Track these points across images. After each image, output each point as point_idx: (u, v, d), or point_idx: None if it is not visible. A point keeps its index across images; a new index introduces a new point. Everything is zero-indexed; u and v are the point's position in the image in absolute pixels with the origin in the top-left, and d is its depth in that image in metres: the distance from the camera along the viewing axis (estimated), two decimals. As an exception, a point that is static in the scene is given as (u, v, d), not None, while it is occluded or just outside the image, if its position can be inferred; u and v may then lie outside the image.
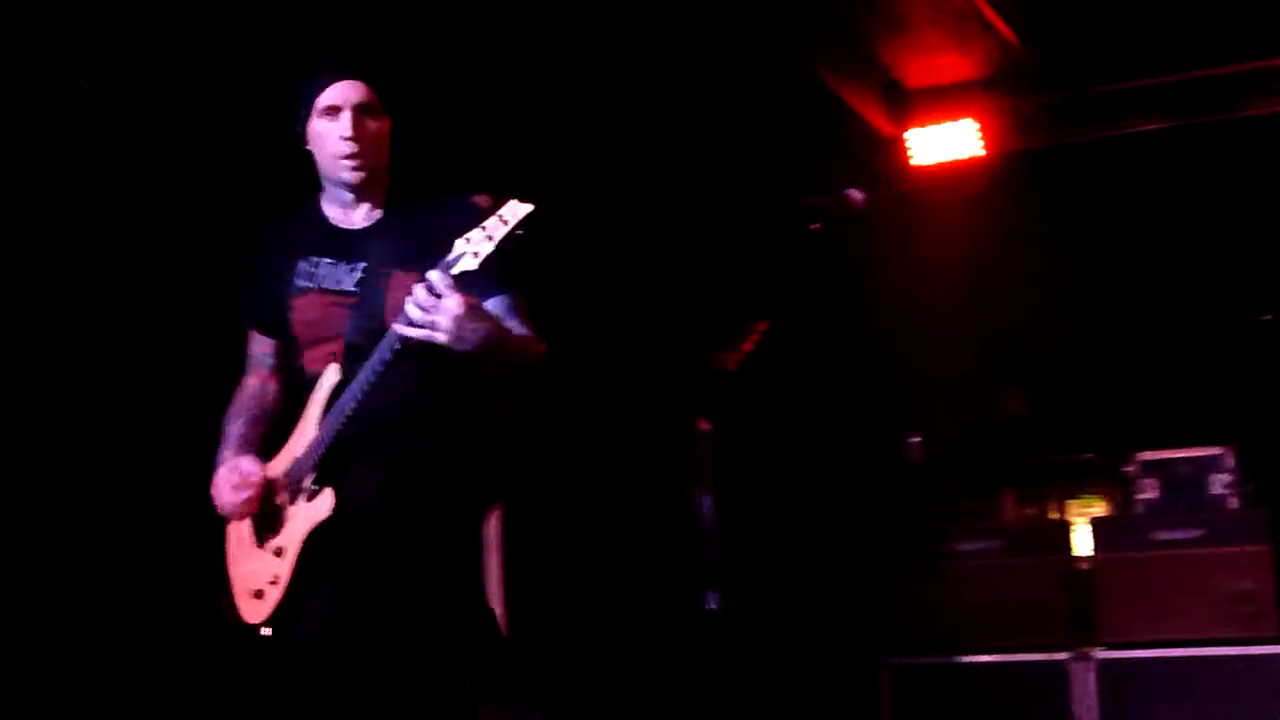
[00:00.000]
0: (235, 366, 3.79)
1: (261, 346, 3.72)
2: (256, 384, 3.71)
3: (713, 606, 3.87)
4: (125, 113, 5.02)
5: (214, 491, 3.55)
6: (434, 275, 3.18)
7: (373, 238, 3.57)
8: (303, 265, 3.58)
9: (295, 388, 3.62)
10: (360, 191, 3.56)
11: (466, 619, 3.49)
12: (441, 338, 3.21)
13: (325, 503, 3.40)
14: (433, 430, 3.50)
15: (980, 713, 6.05)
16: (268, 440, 3.63)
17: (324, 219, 3.63)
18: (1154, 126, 7.23)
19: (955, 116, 7.47)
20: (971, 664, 6.07)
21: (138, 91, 5.02)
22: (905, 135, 7.55)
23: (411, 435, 3.47)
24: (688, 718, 5.80)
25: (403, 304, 3.29)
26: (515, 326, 3.44)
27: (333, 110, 3.48)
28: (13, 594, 4.63)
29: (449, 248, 3.23)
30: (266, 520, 3.52)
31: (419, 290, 3.19)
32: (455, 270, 3.17)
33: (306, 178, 3.66)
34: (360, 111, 3.47)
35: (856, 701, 6.30)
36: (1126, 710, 5.84)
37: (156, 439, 4.97)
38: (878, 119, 7.47)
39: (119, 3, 4.85)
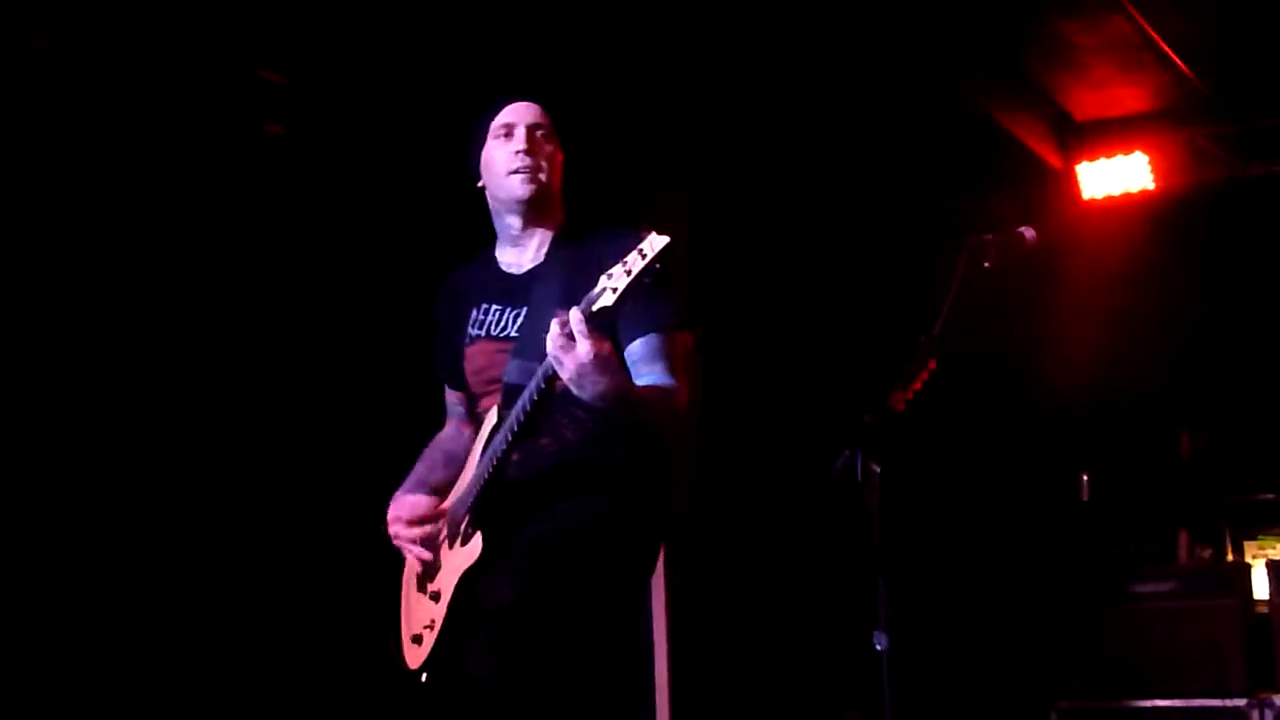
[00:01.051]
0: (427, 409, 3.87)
1: (451, 398, 3.80)
2: (451, 430, 3.79)
3: (880, 647, 3.80)
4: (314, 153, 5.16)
5: (388, 527, 3.58)
6: (573, 314, 3.14)
7: (538, 279, 3.56)
8: (475, 314, 3.62)
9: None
10: (530, 215, 3.56)
11: (613, 684, 3.47)
12: (564, 380, 3.17)
13: (474, 546, 3.37)
14: (607, 492, 3.43)
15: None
16: (445, 481, 3.66)
17: (495, 265, 3.65)
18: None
19: (1126, 150, 7.36)
20: (1145, 709, 5.94)
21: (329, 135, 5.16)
22: (1076, 169, 7.45)
23: (583, 496, 3.41)
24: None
25: None
26: (658, 372, 3.39)
27: (507, 129, 3.52)
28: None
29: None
30: (429, 565, 3.54)
31: (555, 327, 3.14)
32: (596, 306, 3.11)
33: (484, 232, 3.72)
34: (534, 130, 3.51)
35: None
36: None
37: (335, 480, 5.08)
38: (1047, 153, 7.38)
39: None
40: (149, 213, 4.95)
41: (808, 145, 6.25)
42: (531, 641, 3.26)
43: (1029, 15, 6.19)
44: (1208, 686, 5.88)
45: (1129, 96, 7.16)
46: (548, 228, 3.60)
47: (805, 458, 6.37)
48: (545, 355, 3.28)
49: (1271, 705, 5.74)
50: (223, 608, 4.96)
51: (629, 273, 3.09)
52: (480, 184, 3.63)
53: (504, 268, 3.64)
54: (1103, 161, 7.40)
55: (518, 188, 3.52)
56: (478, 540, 3.37)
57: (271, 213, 5.24)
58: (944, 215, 6.33)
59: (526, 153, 3.50)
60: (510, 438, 3.31)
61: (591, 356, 3.12)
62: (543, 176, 3.52)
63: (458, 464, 3.65)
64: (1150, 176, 7.32)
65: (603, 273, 3.16)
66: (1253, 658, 5.93)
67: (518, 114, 3.54)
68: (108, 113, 4.80)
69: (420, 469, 3.72)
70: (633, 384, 3.31)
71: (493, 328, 3.58)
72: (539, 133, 3.53)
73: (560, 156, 3.58)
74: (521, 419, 3.29)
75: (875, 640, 3.72)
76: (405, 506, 3.56)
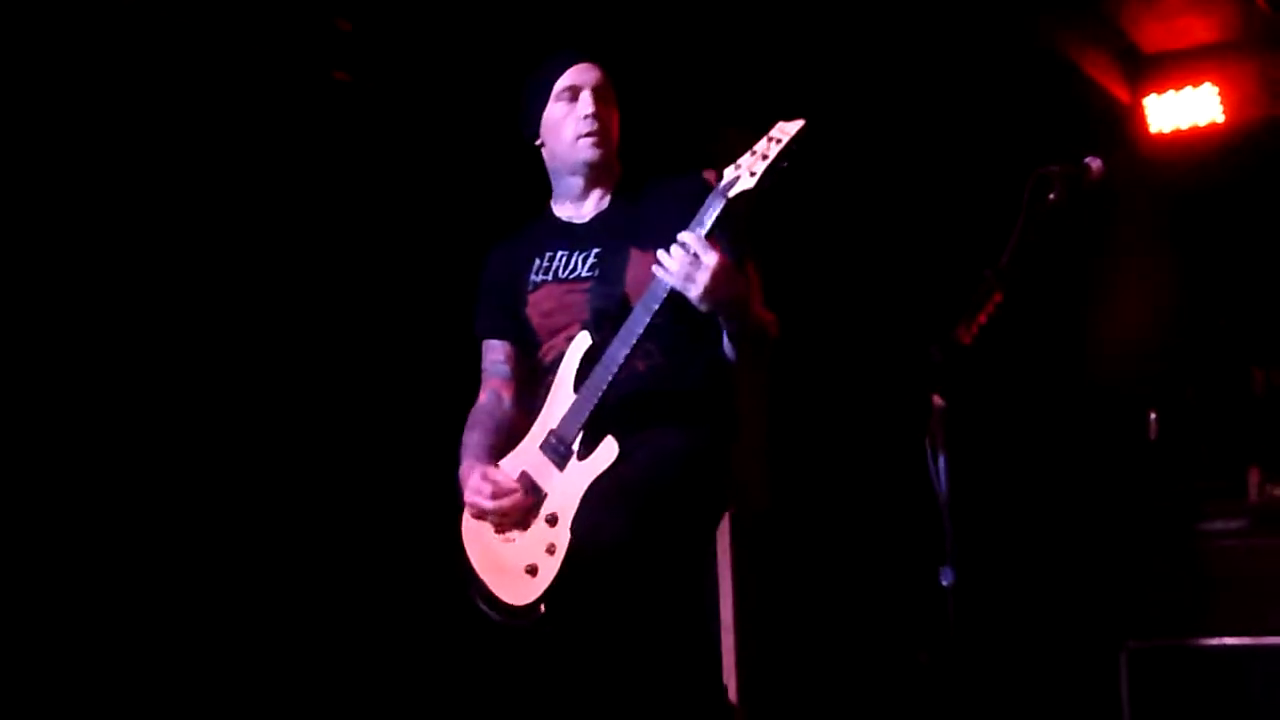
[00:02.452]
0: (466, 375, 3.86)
1: (495, 354, 3.76)
2: (492, 395, 3.76)
3: (947, 583, 3.78)
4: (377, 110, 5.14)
5: (472, 501, 3.55)
6: (687, 236, 3.20)
7: (603, 225, 3.62)
8: (539, 261, 3.64)
9: (533, 385, 3.65)
10: (594, 177, 3.62)
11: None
12: (696, 292, 3.22)
13: (608, 450, 3.38)
14: (685, 425, 3.47)
15: (1222, 697, 5.87)
16: (501, 451, 3.65)
17: (554, 218, 3.70)
18: None
19: (1195, 82, 7.25)
20: (1215, 647, 5.90)
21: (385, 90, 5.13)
22: (1144, 102, 7.35)
23: (664, 431, 3.45)
24: (920, 695, 5.74)
25: (645, 278, 3.33)
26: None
27: (572, 91, 3.56)
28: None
29: (690, 214, 3.24)
30: (528, 492, 3.52)
31: (674, 251, 3.21)
32: (734, 191, 3.16)
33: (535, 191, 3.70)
34: (598, 92, 3.56)
35: (1095, 683, 6.16)
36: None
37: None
38: (1115, 86, 7.28)
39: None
40: (214, 162, 4.95)
41: (871, 78, 6.18)
42: (628, 579, 3.29)
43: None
44: (1276, 625, 5.82)
45: (1198, 27, 7.04)
46: (607, 185, 3.66)
47: (874, 394, 6.36)
48: (624, 285, 3.43)
49: (1343, 643, 5.69)
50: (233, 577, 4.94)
51: (766, 157, 3.17)
52: (539, 142, 3.65)
53: (563, 219, 3.69)
54: (1171, 94, 7.30)
55: (587, 151, 3.58)
56: (609, 444, 3.38)
57: (336, 161, 5.24)
58: (1012, 149, 6.24)
59: (594, 116, 3.54)
60: (630, 349, 3.33)
61: (722, 266, 3.20)
62: (609, 143, 3.58)
63: (507, 429, 3.66)
64: (1220, 109, 7.21)
65: (684, 207, 3.28)
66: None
67: (582, 76, 3.57)
68: (173, 63, 4.79)
69: (480, 437, 3.68)
70: (750, 298, 3.41)
71: (560, 270, 3.60)
72: (602, 95, 3.57)
73: (617, 115, 3.63)
74: (639, 331, 3.32)
75: (942, 576, 3.70)
76: (492, 479, 3.51)
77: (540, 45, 3.78)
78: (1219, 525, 6.10)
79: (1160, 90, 7.31)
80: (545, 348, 3.62)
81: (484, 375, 3.80)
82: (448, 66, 5.31)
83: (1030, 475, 6.66)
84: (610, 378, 3.38)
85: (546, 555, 3.41)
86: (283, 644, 4.94)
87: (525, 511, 3.49)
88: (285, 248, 5.12)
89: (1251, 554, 5.98)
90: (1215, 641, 5.90)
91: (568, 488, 3.42)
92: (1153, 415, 7.01)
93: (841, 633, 6.20)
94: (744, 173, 3.18)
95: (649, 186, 3.63)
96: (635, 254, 3.50)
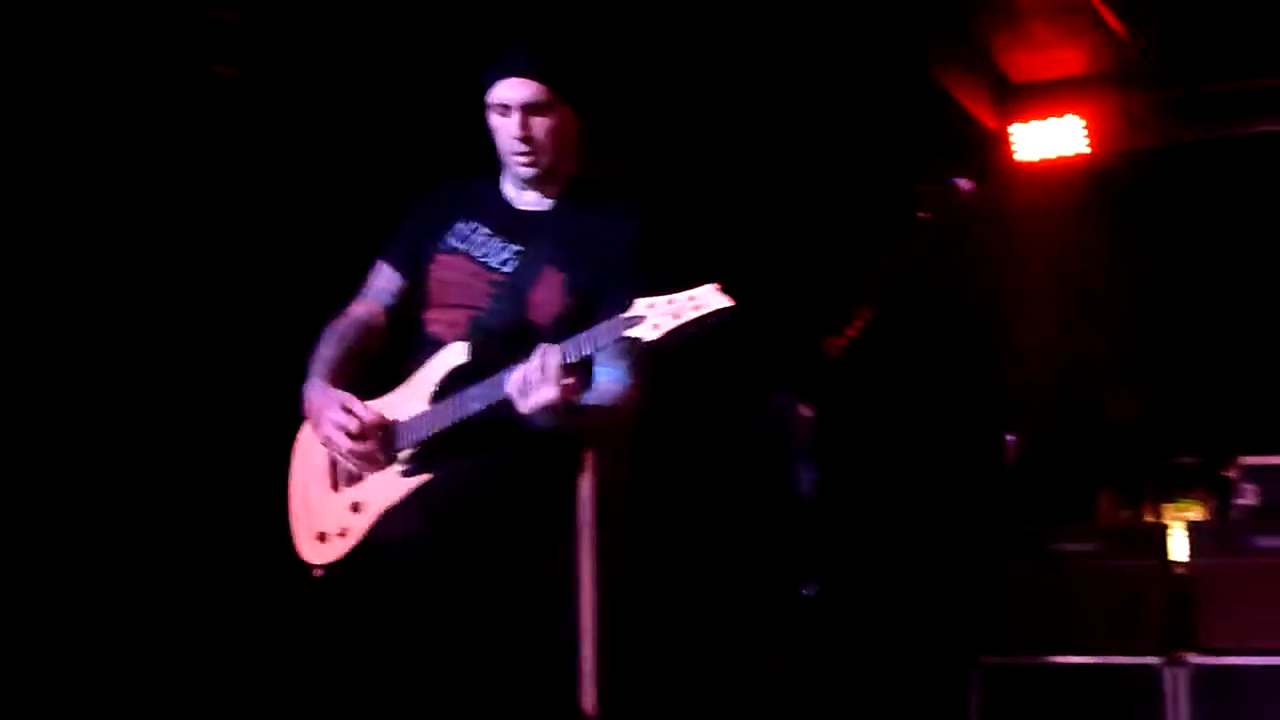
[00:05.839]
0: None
1: (387, 281, 3.65)
2: (364, 315, 3.63)
3: (808, 594, 3.83)
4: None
5: (314, 417, 3.47)
6: (547, 359, 3.13)
7: (537, 224, 3.54)
8: (461, 225, 3.56)
9: (406, 341, 3.55)
10: (533, 184, 3.55)
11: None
12: (522, 408, 3.17)
13: (414, 483, 3.36)
14: (524, 440, 3.38)
15: (1071, 715, 5.98)
16: (360, 383, 3.54)
17: (498, 190, 3.61)
18: (1266, 129, 7.13)
19: (1062, 112, 7.41)
20: (1064, 665, 6.01)
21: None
22: (1009, 130, 7.49)
23: (503, 441, 3.38)
24: (775, 706, 5.79)
25: (549, 300, 3.33)
26: (625, 371, 3.41)
27: (502, 109, 3.46)
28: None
29: (614, 263, 3.23)
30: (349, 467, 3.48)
31: (532, 363, 3.14)
32: (630, 333, 3.04)
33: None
34: (529, 111, 3.44)
35: (947, 698, 6.26)
36: (1218, 717, 5.76)
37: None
38: (983, 113, 7.41)
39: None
40: (93, 163, 4.81)
41: (746, 98, 6.23)
42: (439, 578, 3.24)
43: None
44: (1125, 644, 5.95)
45: (1067, 59, 7.21)
46: (552, 189, 3.58)
47: (742, 404, 6.38)
48: (525, 307, 3.36)
49: (1186, 664, 5.82)
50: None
51: (677, 316, 3.03)
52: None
53: (505, 195, 3.61)
54: (1037, 124, 7.45)
55: (519, 169, 3.51)
56: (417, 479, 3.35)
57: (221, 159, 5.12)
58: (885, 170, 6.33)
59: (522, 139, 3.45)
60: (483, 412, 3.28)
61: (555, 402, 3.13)
62: (544, 159, 3.49)
63: (369, 362, 3.57)
64: (1085, 140, 7.37)
65: (607, 253, 3.26)
66: (1170, 617, 6.01)
67: (512, 93, 3.45)
68: (46, 57, 4.65)
69: (338, 352, 3.57)
70: (583, 416, 3.33)
71: (476, 249, 3.53)
72: (536, 113, 3.45)
73: (565, 119, 3.50)
74: (477, 412, 3.28)
75: (803, 587, 3.75)
76: (353, 413, 3.41)
77: (439, 38, 3.71)
78: (1071, 547, 6.23)
79: (1026, 119, 7.46)
80: (430, 316, 3.53)
81: (366, 292, 3.67)
82: (343, 60, 5.22)
83: (892, 491, 6.75)
84: (454, 422, 3.34)
85: (338, 537, 3.41)
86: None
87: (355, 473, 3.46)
88: (156, 255, 4.99)
89: (1101, 575, 6.11)
90: (1065, 660, 6.01)
91: (380, 492, 3.40)
92: (1010, 439, 7.15)
93: (701, 642, 6.22)
94: (649, 322, 3.03)
95: (596, 200, 3.55)
96: (548, 274, 3.43)
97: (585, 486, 5.28)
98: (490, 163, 3.63)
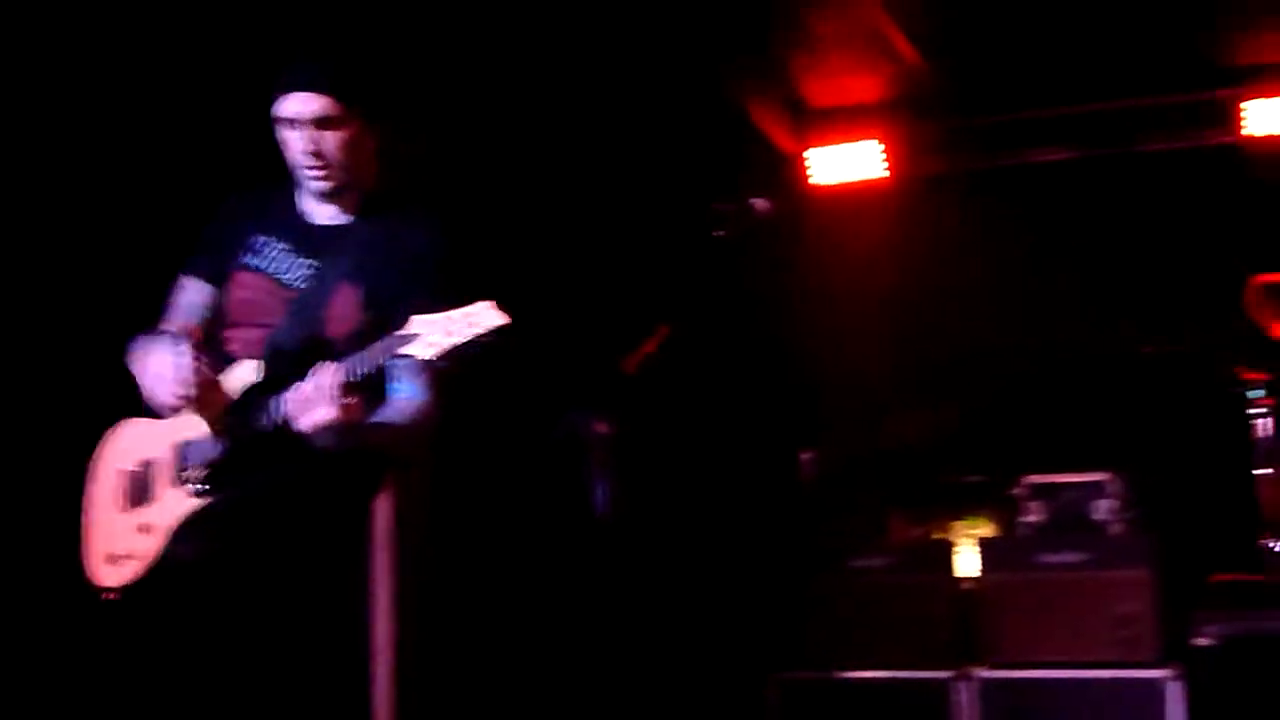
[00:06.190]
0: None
1: (199, 295, 3.57)
2: (179, 333, 3.50)
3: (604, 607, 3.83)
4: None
5: (149, 374, 3.36)
6: (327, 378, 3.11)
7: (334, 239, 3.49)
8: (257, 241, 3.50)
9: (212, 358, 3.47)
10: (329, 197, 3.49)
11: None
12: (300, 425, 3.15)
13: (202, 503, 3.32)
14: (312, 459, 3.35)
15: (863, 728, 6.08)
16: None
17: (293, 204, 3.55)
18: (1055, 157, 7.35)
19: (859, 137, 7.53)
20: (857, 680, 6.10)
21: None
22: (805, 154, 7.60)
23: (289, 461, 3.34)
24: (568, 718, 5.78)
25: (345, 316, 3.30)
26: (420, 388, 3.39)
27: (289, 123, 3.40)
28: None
29: (416, 291, 3.17)
30: (140, 484, 3.42)
31: (309, 386, 3.12)
32: (404, 351, 3.02)
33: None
34: (318, 125, 3.39)
35: (743, 714, 6.31)
36: (1006, 729, 5.90)
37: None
38: (780, 136, 7.50)
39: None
40: None
41: (544, 114, 6.23)
42: (228, 599, 3.24)
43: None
44: (916, 659, 6.06)
45: (865, 86, 7.32)
46: (348, 202, 3.53)
47: (539, 419, 6.37)
48: (321, 324, 3.32)
49: (974, 677, 5.94)
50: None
51: (451, 334, 3.01)
52: None
53: (300, 209, 3.55)
54: (833, 148, 7.57)
55: (311, 184, 3.46)
56: (209, 500, 3.31)
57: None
58: (683, 189, 6.38)
59: (312, 154, 3.41)
60: (269, 430, 3.25)
61: (334, 423, 3.12)
62: (336, 173, 3.44)
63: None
64: (884, 164, 7.50)
65: (406, 262, 3.23)
66: (958, 632, 6.13)
67: (299, 108, 3.39)
68: None
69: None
70: (375, 433, 3.32)
71: (271, 265, 3.47)
72: (326, 126, 3.40)
73: (358, 132, 3.45)
74: (267, 430, 3.25)
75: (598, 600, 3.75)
76: (189, 357, 3.26)
77: (226, 50, 3.64)
78: (863, 563, 6.32)
79: (825, 143, 7.57)
80: (230, 335, 3.47)
81: (174, 312, 3.57)
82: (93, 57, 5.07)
83: (687, 506, 6.79)
84: (240, 441, 3.30)
85: (127, 560, 3.36)
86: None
87: (140, 482, 3.41)
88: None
89: (892, 591, 6.22)
90: (857, 675, 6.10)
91: (167, 509, 3.34)
92: (805, 456, 7.25)
93: (503, 659, 6.20)
94: (424, 340, 3.01)
95: (394, 211, 3.50)
96: (344, 288, 3.40)
97: (383, 504, 5.24)
98: (284, 175, 3.59)
